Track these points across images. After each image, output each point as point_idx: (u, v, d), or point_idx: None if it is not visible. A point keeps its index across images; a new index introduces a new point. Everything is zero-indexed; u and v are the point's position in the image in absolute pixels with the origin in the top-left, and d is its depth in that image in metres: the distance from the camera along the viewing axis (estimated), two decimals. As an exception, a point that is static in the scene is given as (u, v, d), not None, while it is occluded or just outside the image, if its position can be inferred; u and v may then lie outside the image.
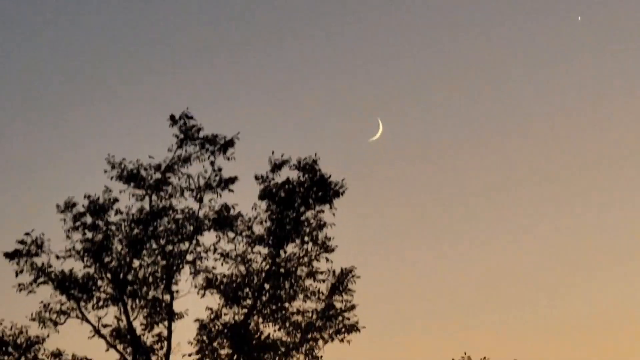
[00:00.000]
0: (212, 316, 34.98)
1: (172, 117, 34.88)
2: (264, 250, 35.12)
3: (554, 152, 66.55)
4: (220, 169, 34.86)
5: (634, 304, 57.73)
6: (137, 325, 34.79)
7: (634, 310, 57.45)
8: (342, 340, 35.10)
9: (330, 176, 34.92)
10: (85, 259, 34.78)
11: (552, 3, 65.93)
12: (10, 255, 34.59)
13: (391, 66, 68.80)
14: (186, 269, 35.09)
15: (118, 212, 35.10)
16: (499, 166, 66.74)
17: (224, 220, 34.91)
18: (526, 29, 67.98)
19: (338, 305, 35.32)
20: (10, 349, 34.48)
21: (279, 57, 69.29)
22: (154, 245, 35.00)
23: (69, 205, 35.04)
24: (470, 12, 68.11)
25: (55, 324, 34.75)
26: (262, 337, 34.82)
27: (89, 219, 34.99)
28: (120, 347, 34.68)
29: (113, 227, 35.00)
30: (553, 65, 66.51)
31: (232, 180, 34.93)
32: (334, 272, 35.37)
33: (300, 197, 34.93)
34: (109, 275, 34.82)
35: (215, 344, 34.63)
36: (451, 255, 62.23)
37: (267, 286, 35.09)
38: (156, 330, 34.90)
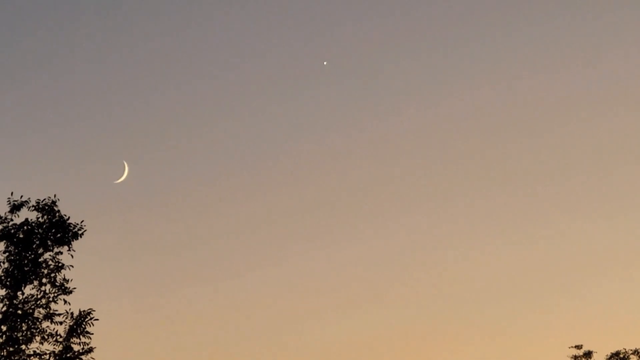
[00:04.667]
0: (-54, 357, 34.59)
1: None
2: (1, 292, 35.43)
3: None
4: (-42, 209, 35.23)
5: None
6: None
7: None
8: (80, 380, 35.55)
9: (69, 218, 36.12)
10: None
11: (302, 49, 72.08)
12: None
13: (136, 109, 70.52)
14: None
15: None
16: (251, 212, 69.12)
17: (-39, 261, 35.07)
18: (278, 72, 72.96)
19: (76, 347, 35.85)
20: None
21: (20, 97, 69.12)
22: None
23: None
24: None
25: None
26: (-2, 378, 34.72)
27: None
28: None
29: None
30: (303, 102, 71.80)
31: (-30, 221, 35.33)
32: (72, 314, 36.02)
33: (39, 238, 35.77)
34: None
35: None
36: (195, 299, 63.28)
37: (3, 328, 35.19)
38: None
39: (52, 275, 35.96)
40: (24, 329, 35.48)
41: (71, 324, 35.99)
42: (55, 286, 35.96)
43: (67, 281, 36.08)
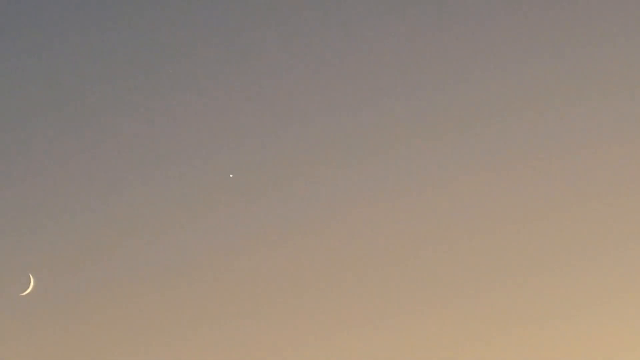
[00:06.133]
0: None
1: None
2: None
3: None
4: None
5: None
6: None
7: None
8: None
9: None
10: None
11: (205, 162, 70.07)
12: None
13: (43, 222, 68.35)
14: None
15: None
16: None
17: None
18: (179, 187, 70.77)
19: None
20: None
21: None
22: None
23: None
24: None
25: None
26: None
27: None
28: None
29: None
30: (206, 217, 69.23)
31: None
32: None
33: None
34: None
35: None
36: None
37: None
38: None
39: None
40: None
41: None
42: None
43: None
